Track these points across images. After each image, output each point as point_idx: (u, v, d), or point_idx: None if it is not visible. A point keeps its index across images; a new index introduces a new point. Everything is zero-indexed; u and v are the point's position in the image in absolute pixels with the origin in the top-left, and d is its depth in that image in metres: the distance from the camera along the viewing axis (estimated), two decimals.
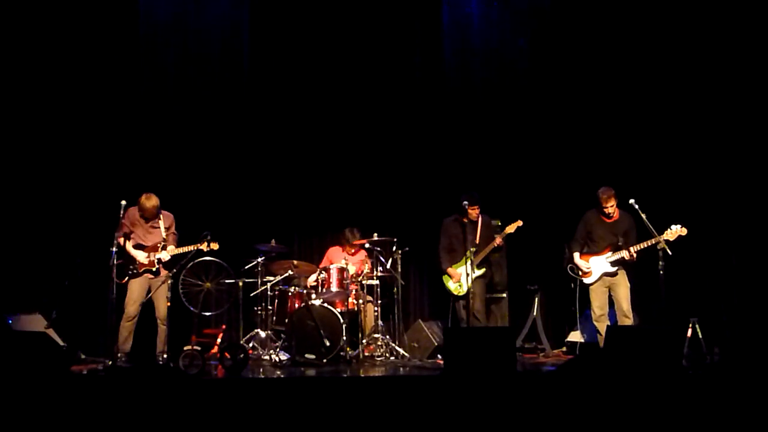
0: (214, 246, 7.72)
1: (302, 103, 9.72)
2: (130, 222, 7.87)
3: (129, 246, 7.79)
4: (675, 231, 7.46)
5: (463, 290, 8.21)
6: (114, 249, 7.41)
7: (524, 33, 9.78)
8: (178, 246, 7.87)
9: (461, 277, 8.18)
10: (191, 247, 7.76)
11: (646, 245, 7.58)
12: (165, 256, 7.82)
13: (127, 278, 7.74)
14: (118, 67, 9.27)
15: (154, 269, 7.81)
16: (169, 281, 7.45)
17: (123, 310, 7.70)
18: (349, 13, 9.69)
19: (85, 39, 9.12)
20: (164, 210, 7.97)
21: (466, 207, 8.15)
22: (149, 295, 7.82)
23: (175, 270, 7.58)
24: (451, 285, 8.37)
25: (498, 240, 8.21)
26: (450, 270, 8.35)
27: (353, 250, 8.87)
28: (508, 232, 8.16)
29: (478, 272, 8.21)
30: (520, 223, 8.15)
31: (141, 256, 7.78)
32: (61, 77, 9.01)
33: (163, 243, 7.84)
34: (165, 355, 7.84)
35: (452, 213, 8.43)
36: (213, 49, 9.56)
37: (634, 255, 7.66)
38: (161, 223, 7.88)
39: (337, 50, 9.71)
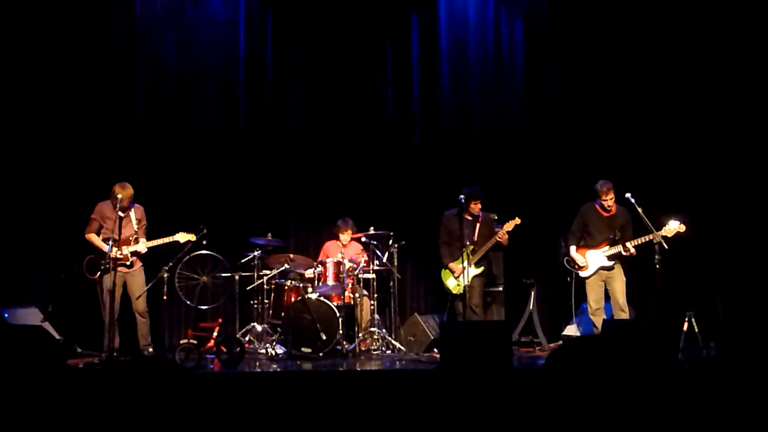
0: (191, 237, 7.70)
1: (298, 95, 9.70)
2: (101, 217, 7.79)
3: (99, 241, 7.73)
4: (673, 228, 7.47)
5: (462, 289, 8.18)
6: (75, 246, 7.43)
7: (520, 27, 9.74)
8: (149, 239, 7.83)
9: (462, 273, 8.15)
10: (167, 239, 7.75)
11: (643, 241, 7.58)
12: (141, 248, 7.75)
13: (99, 273, 7.66)
14: (114, 61, 9.26)
15: (128, 263, 7.73)
16: (166, 275, 7.43)
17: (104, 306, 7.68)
18: (347, 8, 9.65)
19: (82, 35, 9.11)
20: (137, 203, 7.91)
21: (466, 201, 8.09)
22: (127, 292, 7.77)
23: (171, 263, 7.56)
24: (450, 283, 8.33)
25: (502, 237, 8.13)
26: (451, 265, 8.29)
27: (346, 242, 8.86)
28: (507, 229, 8.11)
29: (477, 270, 8.15)
30: (518, 221, 8.08)
31: (112, 251, 7.58)
32: (56, 72, 8.99)
33: (135, 236, 7.75)
34: (150, 349, 7.83)
35: (453, 206, 8.35)
36: (210, 42, 9.51)
37: (633, 250, 7.65)
38: (133, 215, 7.76)
39: (333, 43, 9.66)
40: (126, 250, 7.68)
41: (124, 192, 7.63)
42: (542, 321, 9.08)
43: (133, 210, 7.80)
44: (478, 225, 8.24)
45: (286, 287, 8.39)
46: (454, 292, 8.31)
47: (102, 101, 9.20)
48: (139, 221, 7.84)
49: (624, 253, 7.69)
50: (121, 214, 7.74)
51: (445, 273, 8.42)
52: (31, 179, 8.84)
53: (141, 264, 7.87)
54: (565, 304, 8.55)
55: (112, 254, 7.47)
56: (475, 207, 8.18)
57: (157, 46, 9.41)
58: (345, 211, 9.09)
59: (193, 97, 9.47)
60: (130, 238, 7.72)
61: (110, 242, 7.44)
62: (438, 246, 8.48)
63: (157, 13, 9.40)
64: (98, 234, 7.80)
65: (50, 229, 8.77)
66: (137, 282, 7.80)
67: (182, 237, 7.75)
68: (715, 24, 9.08)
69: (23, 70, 8.89)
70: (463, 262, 7.89)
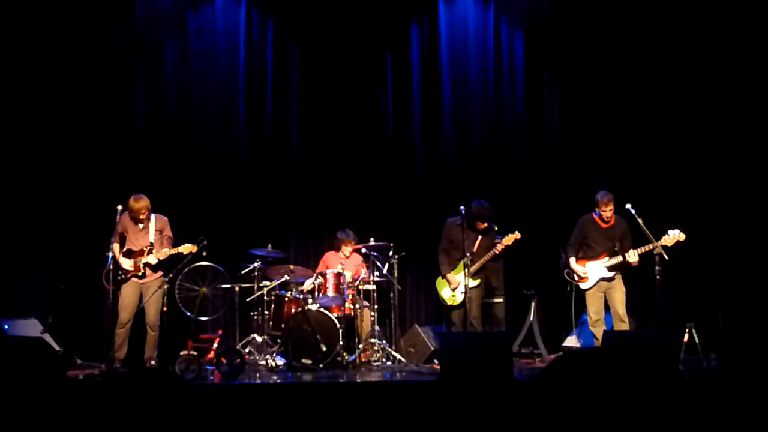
0: (193, 249, 7.70)
1: (298, 106, 9.71)
2: (122, 228, 7.85)
3: (117, 251, 7.77)
4: (673, 237, 7.45)
5: (458, 300, 8.15)
6: (110, 254, 7.43)
7: (520, 37, 9.76)
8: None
9: (459, 285, 8.13)
10: (173, 251, 7.76)
11: (644, 250, 7.57)
12: (152, 260, 7.76)
13: (117, 284, 7.71)
14: (114, 71, 9.29)
15: (140, 274, 7.75)
16: (165, 287, 7.44)
17: (117, 315, 7.70)
18: (347, 13, 9.67)
19: (82, 41, 9.14)
20: (158, 213, 7.95)
21: (472, 219, 8.00)
22: (142, 302, 7.77)
23: (171, 275, 7.56)
24: (444, 294, 8.31)
25: (499, 248, 8.12)
26: (449, 276, 8.27)
27: (347, 254, 8.86)
28: (506, 244, 8.10)
29: (474, 282, 8.07)
30: (517, 235, 8.04)
31: (126, 263, 7.72)
32: (56, 83, 9.02)
33: (149, 247, 7.76)
34: (153, 362, 7.81)
35: (457, 214, 8.20)
36: (210, 52, 9.54)
37: (637, 259, 7.62)
38: (151, 226, 7.82)
39: (333, 53, 9.69)
40: (139, 261, 7.73)
41: (137, 205, 7.72)
42: (542, 332, 9.06)
43: (153, 221, 7.84)
44: (479, 237, 8.21)
45: (286, 298, 8.38)
46: (449, 303, 8.28)
47: (102, 111, 9.22)
48: (160, 231, 7.89)
49: (631, 264, 7.64)
50: (139, 225, 7.81)
51: (440, 282, 8.39)
52: (31, 190, 8.85)
53: (159, 276, 7.86)
54: (566, 315, 8.54)
55: (124, 265, 7.60)
56: (480, 225, 8.12)
57: (158, 56, 9.42)
58: (345, 222, 9.10)
59: (193, 108, 9.48)
60: (144, 249, 7.75)
61: (110, 255, 7.47)
62: (437, 252, 8.44)
63: (157, 22, 9.43)
64: (123, 245, 7.85)
65: (50, 240, 8.77)
66: (155, 295, 7.78)
67: (185, 249, 7.76)
68: (713, 35, 9.10)
69: (23, 80, 8.92)
70: (465, 272, 7.83)
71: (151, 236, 7.81)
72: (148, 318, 7.79)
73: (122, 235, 7.88)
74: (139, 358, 7.86)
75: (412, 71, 9.81)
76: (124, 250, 7.81)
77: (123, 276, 7.72)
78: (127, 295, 7.73)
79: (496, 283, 8.86)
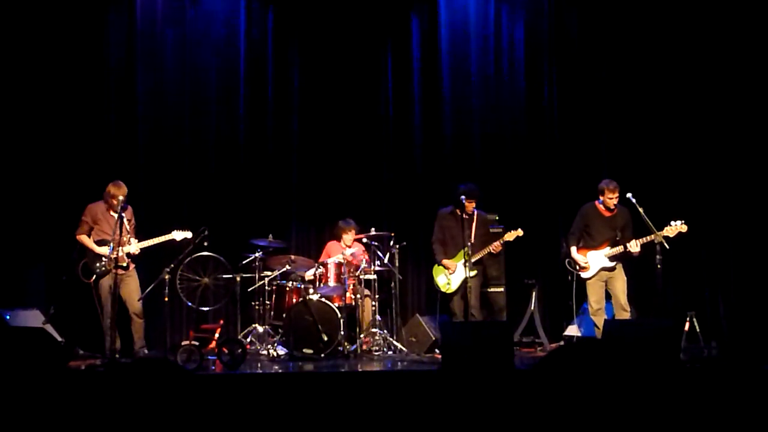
0: (188, 234, 7.69)
1: (299, 95, 9.70)
2: (92, 218, 7.76)
3: (91, 243, 7.73)
4: (675, 227, 7.44)
5: (452, 288, 8.16)
6: (109, 247, 7.40)
7: (521, 28, 9.74)
8: (142, 240, 7.80)
9: (457, 269, 8.13)
10: (162, 239, 7.74)
11: (646, 240, 7.56)
12: (135, 249, 7.72)
13: (94, 277, 7.66)
14: (114, 61, 9.25)
15: (124, 264, 7.68)
16: (167, 277, 7.44)
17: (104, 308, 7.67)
18: (348, 8, 9.64)
19: (83, 35, 9.11)
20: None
21: (464, 201, 8.05)
22: (121, 293, 7.72)
23: (172, 265, 7.56)
24: (440, 281, 8.29)
25: (497, 246, 8.11)
26: (446, 261, 8.24)
27: (349, 243, 8.86)
28: (507, 239, 8.07)
29: (471, 273, 7.97)
30: (520, 232, 8.00)
31: (107, 251, 7.55)
32: (57, 73, 8.98)
33: (128, 236, 7.65)
34: (145, 350, 7.82)
35: (448, 204, 8.32)
36: (210, 42, 9.51)
37: (639, 249, 7.61)
38: (124, 215, 7.58)
39: (334, 43, 9.66)
40: (122, 251, 7.58)
41: (120, 191, 7.59)
42: (543, 321, 9.07)
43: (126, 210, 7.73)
44: (474, 225, 8.18)
45: (287, 288, 8.39)
46: (443, 290, 8.27)
47: (102, 102, 9.20)
48: (129, 221, 7.74)
49: (632, 254, 7.63)
50: (114, 214, 7.66)
51: (436, 269, 8.38)
52: (33, 181, 8.84)
53: (134, 265, 7.86)
54: (567, 305, 8.54)
55: (112, 255, 7.43)
56: (469, 206, 8.12)
57: (158, 46, 9.39)
58: (346, 212, 9.10)
59: (194, 98, 9.45)
60: (123, 240, 7.64)
61: (111, 244, 7.44)
62: (431, 243, 8.43)
63: (157, 12, 9.39)
64: (89, 236, 7.79)
65: (52, 230, 8.76)
66: (133, 283, 7.79)
67: (179, 235, 7.74)
68: (715, 26, 9.09)
69: (24, 71, 8.89)
70: (465, 260, 7.82)
71: (127, 225, 7.61)
72: (132, 307, 7.76)
73: (87, 229, 7.78)
74: (132, 349, 7.85)
75: (412, 60, 9.79)
76: (96, 240, 7.73)
77: (102, 268, 7.63)
78: (107, 287, 7.55)
79: (496, 273, 8.87)
